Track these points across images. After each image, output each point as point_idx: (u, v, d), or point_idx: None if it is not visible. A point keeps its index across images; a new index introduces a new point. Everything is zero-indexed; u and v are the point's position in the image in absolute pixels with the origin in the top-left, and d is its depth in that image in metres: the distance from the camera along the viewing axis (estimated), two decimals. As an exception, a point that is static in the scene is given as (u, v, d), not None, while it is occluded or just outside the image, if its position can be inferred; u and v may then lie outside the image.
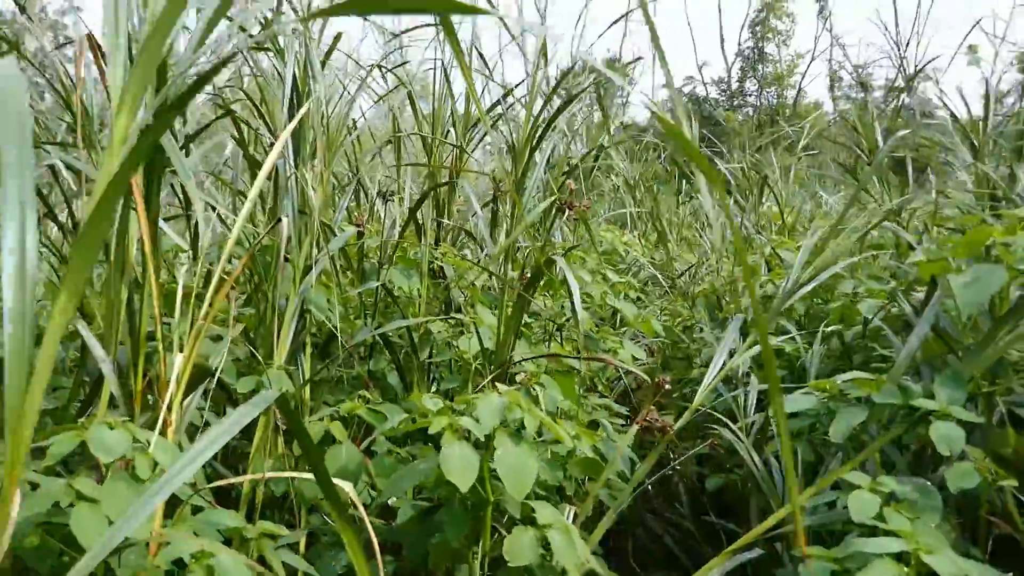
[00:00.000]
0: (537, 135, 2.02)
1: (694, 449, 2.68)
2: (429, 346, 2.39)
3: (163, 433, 1.28)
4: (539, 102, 2.04)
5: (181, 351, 1.38)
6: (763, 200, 4.32)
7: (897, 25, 41.88)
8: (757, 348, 1.84)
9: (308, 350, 2.19)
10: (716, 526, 3.00)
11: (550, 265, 1.97)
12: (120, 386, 1.42)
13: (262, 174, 1.36)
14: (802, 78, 38.06)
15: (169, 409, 1.28)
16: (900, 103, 4.10)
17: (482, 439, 1.41)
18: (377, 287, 2.37)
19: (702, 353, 3.53)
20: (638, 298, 2.97)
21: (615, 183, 7.31)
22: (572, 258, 3.04)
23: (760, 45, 38.75)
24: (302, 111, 1.76)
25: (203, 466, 2.19)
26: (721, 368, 1.79)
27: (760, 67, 38.97)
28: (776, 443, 2.24)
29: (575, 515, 1.66)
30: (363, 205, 2.73)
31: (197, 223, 2.60)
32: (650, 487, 3.10)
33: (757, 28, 38.60)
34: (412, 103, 2.38)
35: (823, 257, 1.89)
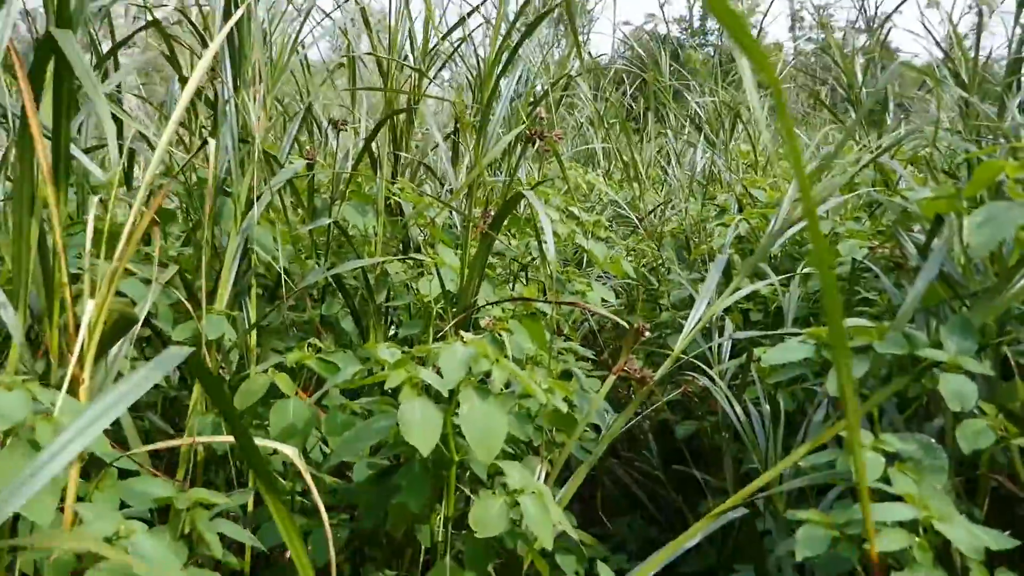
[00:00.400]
0: (504, 58, 1.83)
1: (666, 396, 2.56)
2: (386, 289, 2.22)
3: (75, 392, 1.10)
4: (505, 26, 1.84)
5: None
6: (733, 138, 4.17)
7: (860, -36, 41.62)
8: (740, 293, 1.70)
9: (254, 293, 2.01)
10: (686, 475, 2.91)
11: (517, 201, 1.80)
12: (29, 338, 1.23)
13: (188, 89, 1.16)
14: (763, 17, 37.75)
15: (81, 364, 1.10)
16: (884, 36, 3.94)
17: (445, 394, 1.25)
18: (329, 225, 2.18)
19: (671, 295, 3.41)
20: (607, 238, 2.81)
21: (579, 120, 7.11)
22: (538, 195, 2.87)
23: (723, -18, 38.13)
24: (237, 14, 1.55)
25: (143, 423, 2.02)
26: (704, 313, 1.65)
27: (722, 5, 38.41)
28: (757, 391, 2.12)
29: (546, 474, 1.53)
30: (315, 137, 2.52)
31: (133, 152, 2.38)
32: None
33: (720, -35, 37.97)
34: (366, 22, 2.16)
35: (813, 195, 1.74)
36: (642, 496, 3.07)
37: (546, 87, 2.55)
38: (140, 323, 1.47)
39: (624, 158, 5.51)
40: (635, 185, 5.10)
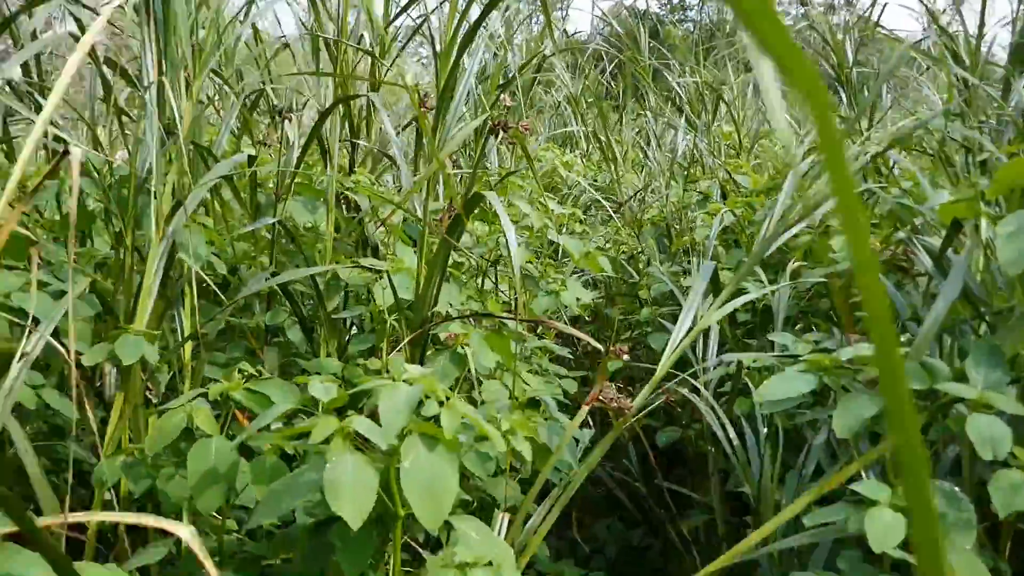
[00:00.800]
0: (463, 34, 1.61)
1: (648, 406, 2.37)
2: (340, 293, 2.01)
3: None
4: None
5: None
6: (716, 119, 3.97)
7: (839, -62, 41.45)
8: (729, 306, 1.51)
9: (189, 303, 1.79)
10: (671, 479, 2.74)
11: (477, 202, 1.59)
12: None
13: (71, 62, 0.94)
14: (744, -8, 37.31)
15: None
16: (880, 14, 3.73)
17: (384, 447, 1.05)
18: (274, 224, 1.96)
19: (651, 288, 3.22)
20: (584, 232, 2.61)
21: (556, 99, 6.89)
22: (510, 186, 2.66)
23: (702, -43, 37.92)
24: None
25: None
26: (690, 330, 1.45)
27: (702, -20, 38.23)
28: (748, 404, 1.94)
29: (509, 522, 1.33)
30: (256, 123, 2.29)
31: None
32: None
33: (700, -61, 37.73)
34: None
35: (809, 195, 1.54)
36: (623, 498, 2.90)
37: (515, 69, 2.33)
38: (34, 347, 1.26)
39: (602, 139, 5.30)
40: (613, 167, 4.89)
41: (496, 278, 2.60)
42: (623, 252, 4.04)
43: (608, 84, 7.20)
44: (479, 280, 2.80)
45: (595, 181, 5.80)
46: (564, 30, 4.30)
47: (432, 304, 1.69)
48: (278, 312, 1.97)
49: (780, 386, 1.22)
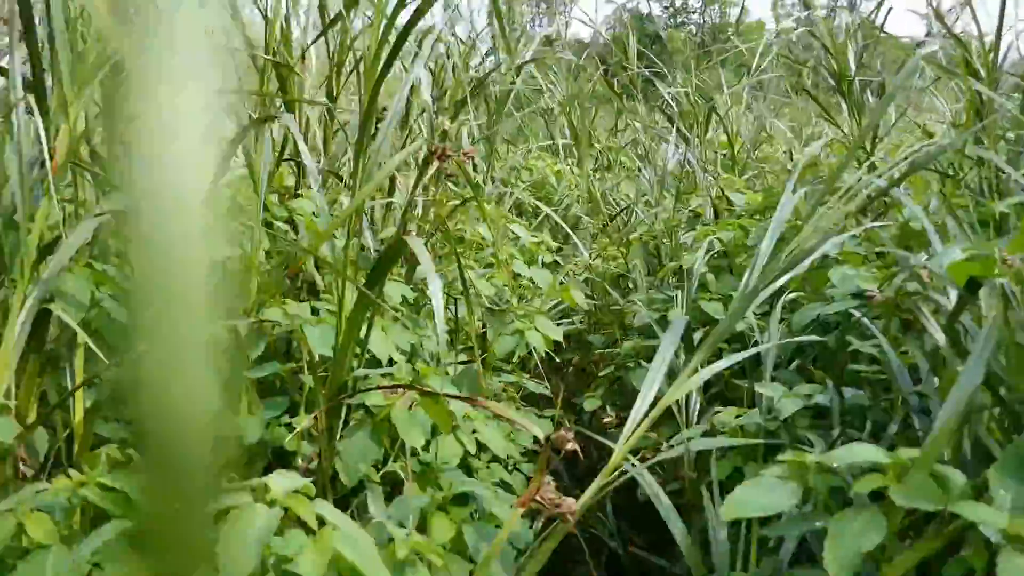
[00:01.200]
0: (393, 34, 1.35)
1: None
2: (263, 342, 1.76)
3: None
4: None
5: None
6: (709, 129, 3.71)
7: (844, -59, 41.23)
8: (706, 373, 1.25)
9: (80, 358, 1.55)
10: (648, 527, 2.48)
11: (399, 250, 1.33)
12: None
13: None
14: (747, -6, 37.11)
15: None
16: (884, 16, 3.47)
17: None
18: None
19: (636, 317, 2.96)
20: (555, 262, 2.35)
21: (549, 105, 6.64)
22: (478, 210, 2.40)
23: (706, -41, 37.60)
24: None
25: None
26: (651, 406, 1.19)
27: (705, -18, 37.92)
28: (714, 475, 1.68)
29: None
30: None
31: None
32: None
33: (703, -59, 37.41)
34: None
35: (802, 237, 1.28)
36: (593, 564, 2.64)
37: (466, 89, 2.07)
38: None
39: (591, 148, 5.05)
40: (590, 174, 4.64)
41: (456, 320, 2.34)
42: (614, 268, 3.79)
43: (606, 89, 6.94)
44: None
45: (588, 192, 5.56)
46: (546, 38, 4.03)
47: (358, 363, 1.44)
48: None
49: (755, 497, 0.96)
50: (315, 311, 1.81)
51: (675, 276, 3.37)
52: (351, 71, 2.19)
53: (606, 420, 3.13)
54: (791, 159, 4.58)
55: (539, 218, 4.75)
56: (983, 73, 2.25)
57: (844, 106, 2.88)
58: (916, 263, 1.33)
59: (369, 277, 1.31)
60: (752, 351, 1.30)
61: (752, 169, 3.52)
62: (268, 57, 1.62)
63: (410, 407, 1.51)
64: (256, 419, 1.59)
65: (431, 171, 1.35)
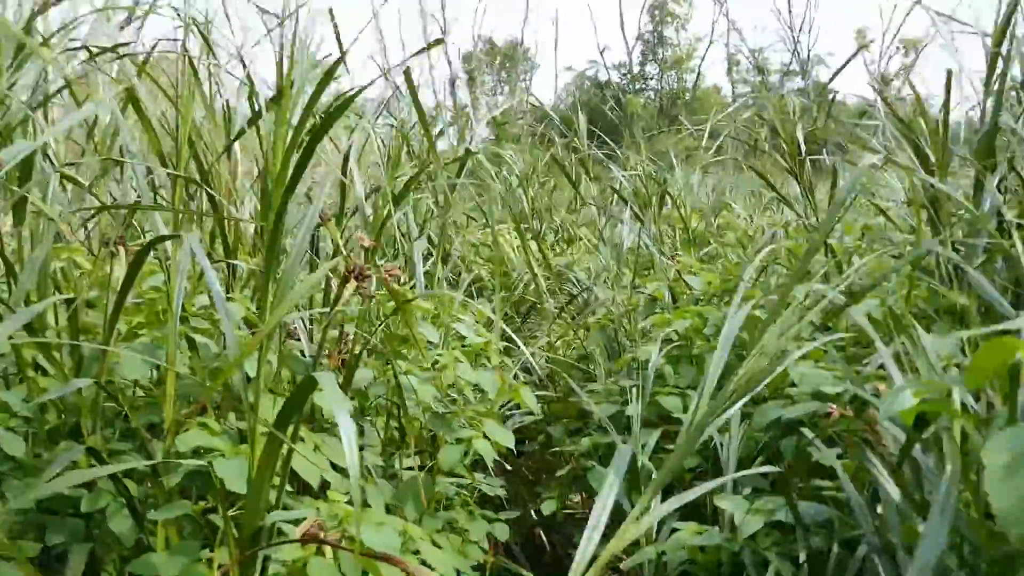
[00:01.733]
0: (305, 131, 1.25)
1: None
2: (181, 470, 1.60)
3: None
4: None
5: None
6: (663, 206, 3.65)
7: (791, 11, 42.62)
8: (657, 514, 1.13)
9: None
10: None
11: (308, 389, 1.20)
12: None
13: None
14: (701, 61, 38.13)
15: None
16: (830, 99, 3.45)
17: None
18: (97, 385, 1.57)
19: (600, 408, 2.82)
20: (501, 363, 2.23)
21: (508, 180, 6.61)
22: (419, 311, 2.28)
23: (659, 29, 38.69)
24: None
25: None
26: (590, 563, 1.06)
27: (660, 51, 38.96)
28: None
29: None
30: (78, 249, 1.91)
31: None
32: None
33: (656, 12, 38.53)
34: (134, 103, 1.54)
35: (763, 346, 1.18)
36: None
37: (384, 193, 1.96)
38: None
39: (552, 221, 4.98)
40: (568, 249, 4.56)
41: (400, 426, 2.21)
42: (572, 353, 3.68)
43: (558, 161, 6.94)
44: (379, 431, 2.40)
45: (547, 267, 5.48)
46: (527, 99, 3.98)
47: (277, 496, 1.29)
48: (100, 495, 1.56)
49: None
50: (241, 433, 1.66)
51: (633, 362, 3.27)
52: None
53: (574, 501, 2.99)
54: (747, 234, 4.55)
55: (495, 299, 4.65)
56: (932, 157, 2.20)
57: (798, 188, 2.83)
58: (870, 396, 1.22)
59: (281, 413, 1.18)
60: (713, 483, 1.17)
61: (711, 240, 3.46)
62: (177, 173, 1.51)
63: (334, 552, 1.36)
64: (172, 557, 1.44)
65: (348, 292, 1.23)
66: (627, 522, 1.10)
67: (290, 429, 1.26)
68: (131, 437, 1.79)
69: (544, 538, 2.90)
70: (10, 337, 1.54)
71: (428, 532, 2.12)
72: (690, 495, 1.16)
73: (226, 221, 2.08)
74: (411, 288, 2.54)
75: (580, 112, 3.76)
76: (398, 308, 1.81)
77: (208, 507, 1.39)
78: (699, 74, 38.34)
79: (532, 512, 2.93)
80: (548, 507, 2.56)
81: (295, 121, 1.22)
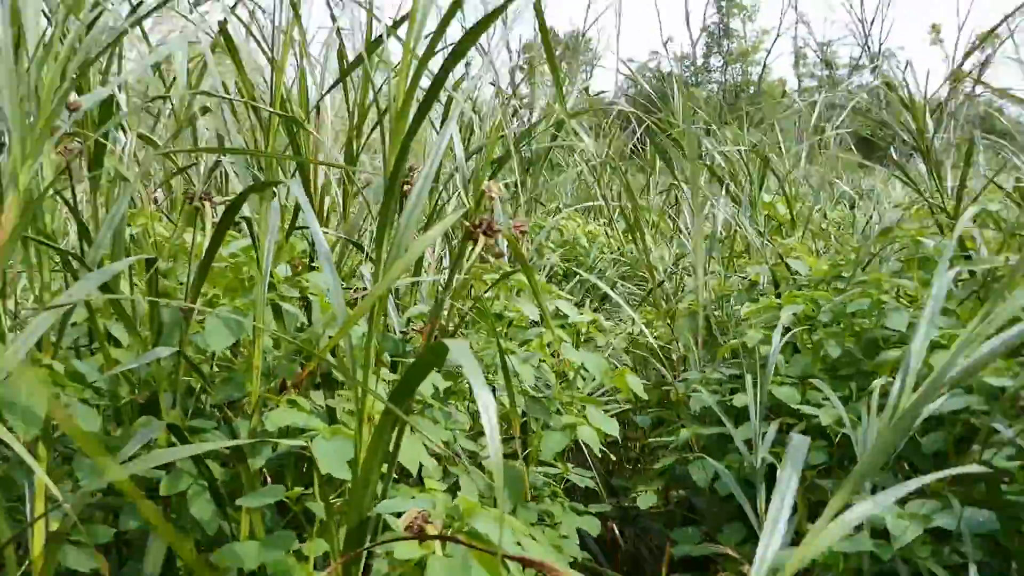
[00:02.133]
0: (426, 77, 1.07)
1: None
2: (269, 449, 1.45)
3: None
4: (433, 22, 1.08)
5: None
6: (764, 184, 3.40)
7: (863, 4, 41.42)
8: (853, 519, 0.92)
9: (40, 486, 1.25)
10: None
11: (440, 356, 1.02)
12: None
13: None
14: (767, 55, 37.25)
15: None
16: (986, 59, 3.14)
17: None
18: (179, 355, 1.42)
19: (691, 399, 2.61)
20: (606, 342, 2.03)
21: (578, 164, 6.41)
22: (515, 284, 2.10)
23: (725, 20, 37.93)
24: None
25: None
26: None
27: (725, 43, 38.20)
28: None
29: None
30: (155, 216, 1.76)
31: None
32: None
33: (723, 3, 37.80)
34: (226, 39, 1.38)
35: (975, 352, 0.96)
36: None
37: (511, 140, 1.78)
38: None
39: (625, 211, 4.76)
40: (640, 238, 4.34)
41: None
42: (656, 338, 3.46)
43: (636, 148, 6.72)
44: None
45: (620, 254, 5.26)
46: (586, 88, 3.76)
47: (372, 500, 1.12)
48: (179, 477, 1.40)
49: None
50: (331, 413, 1.50)
51: (733, 355, 3.04)
52: (373, 127, 1.92)
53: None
54: (854, 223, 4.26)
55: (571, 283, 4.45)
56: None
57: (924, 168, 2.58)
58: None
59: (397, 388, 1.00)
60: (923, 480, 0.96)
61: (812, 232, 3.20)
62: (274, 111, 1.33)
63: (443, 545, 1.19)
64: (265, 549, 1.28)
65: (477, 249, 1.05)
66: (822, 521, 0.90)
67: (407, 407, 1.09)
68: (206, 415, 1.64)
69: (617, 532, 2.70)
70: (85, 301, 1.40)
71: (525, 524, 1.95)
72: (911, 485, 0.95)
73: (312, 187, 1.92)
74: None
75: (676, 87, 3.53)
76: (503, 278, 1.62)
77: (303, 493, 1.22)
78: (765, 67, 37.47)
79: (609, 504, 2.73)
80: (645, 501, 2.36)
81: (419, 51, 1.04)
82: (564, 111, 1.47)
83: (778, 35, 38.19)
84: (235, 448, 1.42)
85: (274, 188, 1.59)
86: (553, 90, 4.21)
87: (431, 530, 1.13)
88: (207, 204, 1.49)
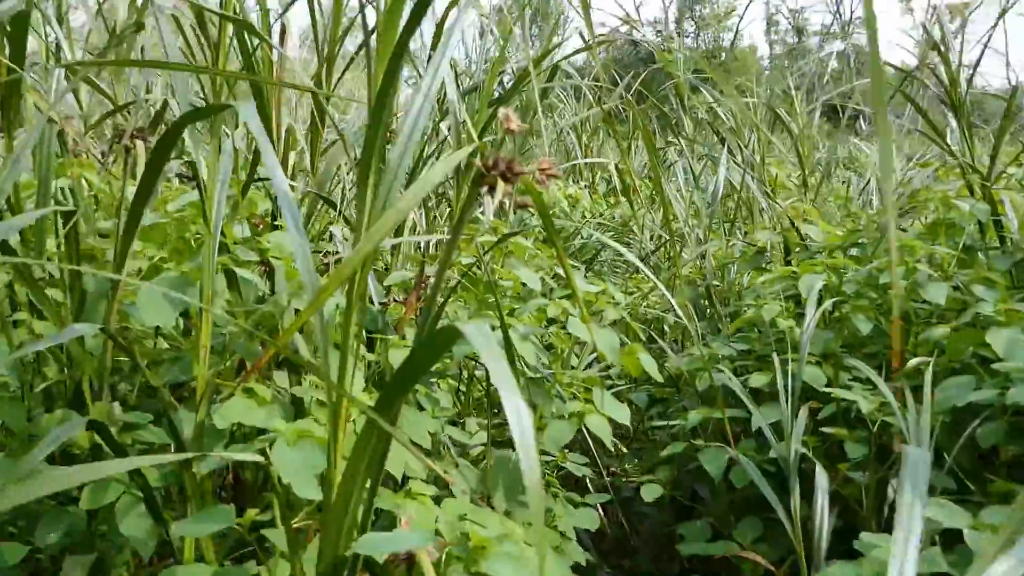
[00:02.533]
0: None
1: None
2: (222, 444, 1.17)
3: None
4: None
5: None
6: (769, 152, 3.15)
7: (836, -31, 41.24)
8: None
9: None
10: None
11: (448, 342, 0.75)
12: None
13: None
14: (739, 20, 36.85)
15: None
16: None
17: None
18: (104, 332, 1.12)
19: (698, 379, 2.36)
20: (620, 318, 1.77)
21: (558, 125, 6.12)
22: (514, 251, 1.82)
23: (698, -17, 37.44)
24: None
25: None
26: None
27: (697, 7, 37.76)
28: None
29: None
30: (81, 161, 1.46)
31: None
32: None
33: (696, -35, 37.30)
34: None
35: None
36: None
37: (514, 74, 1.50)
38: None
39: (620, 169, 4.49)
40: (630, 203, 4.07)
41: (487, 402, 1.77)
42: (650, 307, 3.21)
43: (617, 109, 6.43)
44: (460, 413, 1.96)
45: (601, 218, 5.01)
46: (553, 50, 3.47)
47: (352, 525, 0.84)
48: (106, 485, 1.12)
49: None
50: (297, 403, 1.22)
51: (726, 319, 2.80)
52: (349, 62, 1.62)
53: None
54: (848, 189, 4.03)
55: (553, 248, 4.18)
56: None
57: (954, 124, 2.33)
58: None
59: (390, 387, 0.72)
60: None
61: (823, 197, 2.96)
62: (224, 14, 1.03)
63: (437, 567, 0.93)
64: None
65: (497, 198, 0.77)
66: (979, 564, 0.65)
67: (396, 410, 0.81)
68: (152, 402, 1.35)
69: (602, 515, 2.45)
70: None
71: (521, 526, 1.69)
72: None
73: (275, 132, 1.62)
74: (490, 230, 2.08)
75: (678, 34, 3.24)
76: (502, 240, 1.35)
77: (260, 520, 0.94)
78: (737, 32, 37.10)
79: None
80: (650, 493, 2.12)
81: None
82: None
83: (750, 1, 37.93)
84: (179, 443, 1.15)
85: (226, 131, 1.29)
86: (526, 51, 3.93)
87: (425, 561, 0.86)
88: (139, 144, 1.19)
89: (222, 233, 1.38)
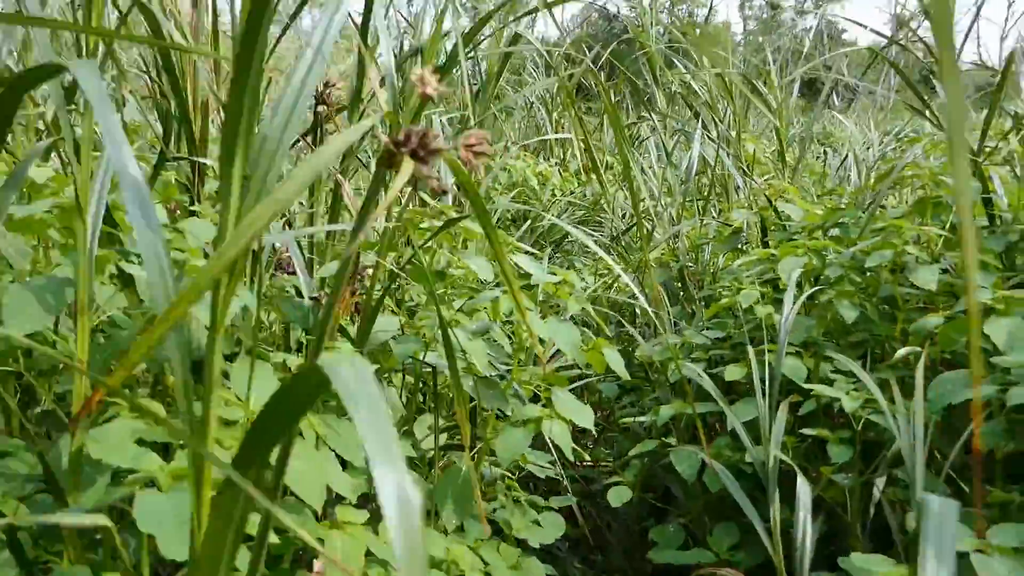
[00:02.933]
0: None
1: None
2: (105, 478, 0.98)
3: None
4: None
5: None
6: (748, 124, 2.97)
7: (810, -56, 41.14)
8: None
9: None
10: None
11: (317, 390, 0.57)
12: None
13: None
14: (714, -4, 36.59)
15: None
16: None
17: None
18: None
19: (669, 371, 2.20)
20: (583, 310, 1.59)
21: (527, 99, 5.93)
22: (464, 233, 1.64)
23: (673, -43, 37.10)
24: None
25: None
26: None
27: (673, -18, 37.46)
28: None
29: None
30: None
31: None
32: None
33: (671, -61, 36.94)
34: None
35: None
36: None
37: (458, 36, 1.31)
38: None
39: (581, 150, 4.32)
40: (598, 181, 3.88)
41: (436, 404, 1.59)
42: (620, 290, 3.03)
43: (588, 85, 6.26)
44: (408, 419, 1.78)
45: (572, 196, 4.83)
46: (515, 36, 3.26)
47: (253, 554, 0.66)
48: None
49: None
50: (165, 452, 1.03)
51: (700, 304, 2.64)
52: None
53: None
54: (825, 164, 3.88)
55: (520, 229, 4.01)
56: None
57: (942, 93, 2.16)
58: None
59: (245, 445, 0.54)
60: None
61: (799, 174, 2.80)
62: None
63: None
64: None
65: (400, 180, 0.59)
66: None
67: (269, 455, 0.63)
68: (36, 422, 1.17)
69: (578, 512, 2.30)
70: None
71: (475, 544, 1.53)
72: None
73: (190, 97, 1.43)
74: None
75: (653, 6, 3.05)
76: (447, 225, 1.17)
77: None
78: (711, 8, 36.86)
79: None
80: (618, 496, 1.96)
81: None
82: None
83: (725, -26, 37.70)
84: (54, 480, 0.96)
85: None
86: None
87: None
88: None
89: (115, 223, 1.19)
